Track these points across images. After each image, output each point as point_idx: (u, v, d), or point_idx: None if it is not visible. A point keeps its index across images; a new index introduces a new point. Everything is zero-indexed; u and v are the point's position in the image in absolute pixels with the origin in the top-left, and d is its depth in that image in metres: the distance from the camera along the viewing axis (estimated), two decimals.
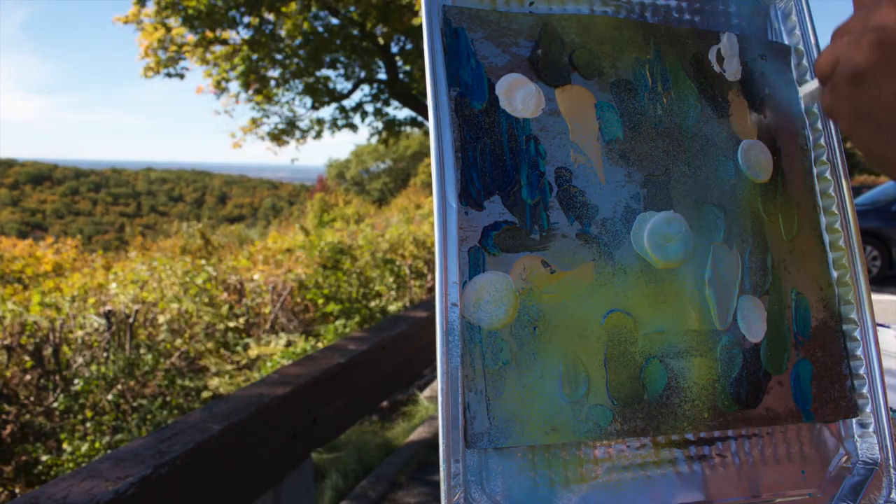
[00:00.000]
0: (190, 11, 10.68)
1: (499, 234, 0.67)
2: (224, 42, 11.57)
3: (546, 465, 0.65)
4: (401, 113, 14.01)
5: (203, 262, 7.22)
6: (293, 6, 11.18)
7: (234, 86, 12.00)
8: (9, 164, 57.47)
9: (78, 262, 9.31)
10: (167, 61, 11.46)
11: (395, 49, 12.96)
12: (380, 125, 13.80)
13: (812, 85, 0.78)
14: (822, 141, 0.80)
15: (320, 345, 5.63)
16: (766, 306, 0.74)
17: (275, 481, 2.46)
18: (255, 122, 12.64)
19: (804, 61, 0.82)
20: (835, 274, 0.78)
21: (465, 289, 0.65)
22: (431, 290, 7.95)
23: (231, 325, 5.99)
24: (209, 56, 11.58)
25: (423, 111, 12.91)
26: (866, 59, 0.51)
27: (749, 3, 0.83)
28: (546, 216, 0.69)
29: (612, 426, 0.66)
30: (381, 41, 12.23)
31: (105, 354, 4.85)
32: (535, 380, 0.65)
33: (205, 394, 4.86)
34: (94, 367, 4.58)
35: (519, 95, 0.71)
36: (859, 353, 0.76)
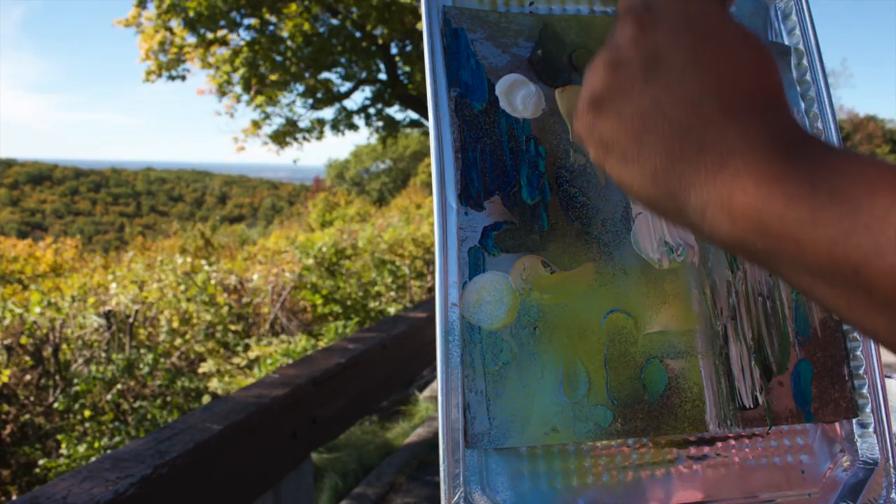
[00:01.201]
0: (191, 13, 10.68)
1: (499, 235, 0.67)
2: (225, 43, 11.57)
3: (546, 466, 0.65)
4: (401, 114, 14.03)
5: (203, 262, 7.22)
6: (294, 7, 11.18)
7: (236, 88, 12.00)
8: (8, 163, 57.49)
9: (77, 262, 9.31)
10: (168, 64, 11.46)
11: (395, 50, 12.97)
12: (380, 124, 13.82)
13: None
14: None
15: (320, 345, 5.64)
16: (767, 307, 0.74)
17: (274, 481, 2.46)
18: (256, 125, 12.64)
19: (804, 61, 0.82)
20: None
21: (465, 289, 0.65)
22: (431, 290, 7.95)
23: (232, 328, 5.99)
24: (211, 59, 11.58)
25: (423, 112, 12.92)
26: (602, 82, 0.46)
27: (749, 3, 0.83)
28: (546, 216, 0.69)
29: (612, 426, 0.66)
30: (381, 42, 12.24)
31: (105, 354, 4.85)
32: (536, 380, 0.65)
33: (205, 394, 4.86)
34: (93, 367, 4.58)
35: (519, 96, 0.71)
36: (859, 353, 0.76)
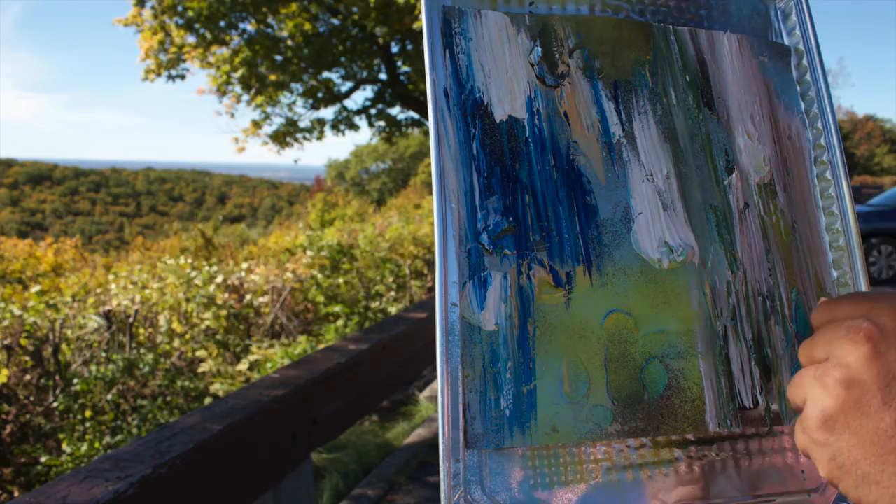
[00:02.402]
0: (190, 13, 10.68)
1: (499, 234, 0.67)
2: (225, 43, 11.57)
3: (546, 466, 0.65)
4: (402, 114, 14.03)
5: (203, 262, 7.22)
6: (294, 7, 11.18)
7: (236, 88, 12.00)
8: (8, 163, 57.49)
9: (78, 262, 9.31)
10: (168, 63, 11.46)
11: (395, 50, 12.97)
12: (382, 123, 13.82)
13: None
14: (822, 141, 0.80)
15: (320, 345, 5.63)
16: (767, 307, 0.74)
17: (274, 481, 2.46)
18: (256, 125, 12.65)
19: (804, 61, 0.82)
20: (835, 274, 0.78)
21: (465, 289, 0.65)
22: (431, 290, 7.95)
23: (232, 329, 5.99)
24: (210, 59, 11.58)
25: (423, 112, 12.92)
26: (836, 399, 0.46)
27: (749, 3, 0.83)
28: (546, 216, 0.69)
29: (612, 427, 0.66)
30: (381, 42, 12.24)
31: (105, 354, 4.85)
32: (536, 380, 0.65)
33: (205, 394, 4.86)
34: (93, 368, 4.58)
35: (518, 95, 0.71)
36: None
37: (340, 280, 7.41)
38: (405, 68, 13.19)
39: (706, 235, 0.73)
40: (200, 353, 5.51)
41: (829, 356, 0.48)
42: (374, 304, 7.34)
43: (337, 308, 6.85)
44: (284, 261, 8.40)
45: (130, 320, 5.13)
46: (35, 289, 5.80)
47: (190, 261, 7.31)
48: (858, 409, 0.45)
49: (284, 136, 12.89)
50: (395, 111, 13.92)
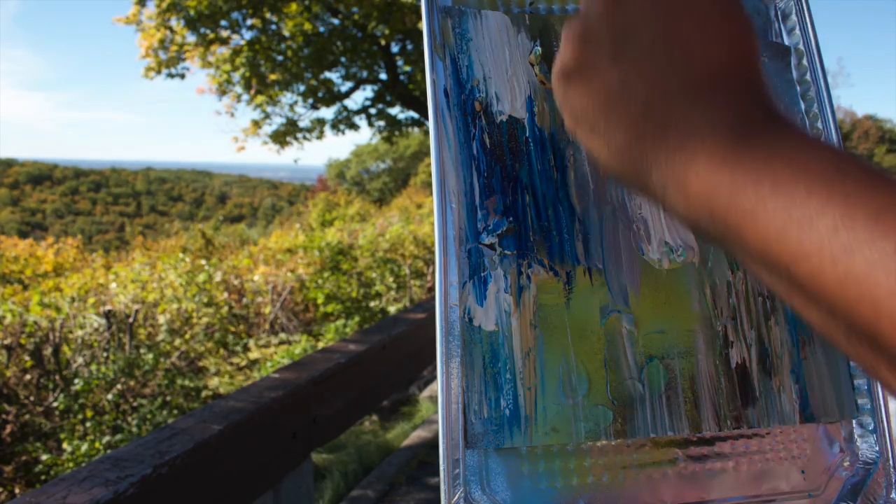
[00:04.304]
0: (191, 12, 10.68)
1: (499, 234, 0.67)
2: (225, 42, 11.58)
3: (546, 466, 0.65)
4: (402, 113, 14.04)
5: (203, 261, 7.22)
6: (294, 7, 11.18)
7: (236, 87, 12.01)
8: (8, 163, 57.53)
9: (78, 261, 9.31)
10: (168, 62, 11.47)
11: (395, 49, 12.98)
12: (382, 123, 13.83)
13: None
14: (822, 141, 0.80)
15: (320, 345, 5.64)
16: (767, 307, 0.74)
17: (274, 481, 2.46)
18: (256, 125, 12.65)
19: (804, 61, 0.82)
20: None
21: (465, 289, 0.65)
22: (431, 290, 7.95)
23: (231, 329, 5.99)
24: (211, 59, 11.59)
25: (423, 112, 12.92)
26: (571, 54, 0.46)
27: (749, 3, 0.83)
28: (546, 216, 0.69)
29: (612, 426, 0.66)
30: (381, 42, 12.24)
31: (105, 354, 4.85)
32: (536, 380, 0.65)
33: (205, 394, 4.87)
34: (94, 367, 4.58)
35: (518, 95, 0.71)
36: None
37: (340, 280, 7.41)
38: (405, 68, 13.19)
39: None
40: (198, 348, 5.51)
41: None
42: (374, 304, 7.35)
43: (337, 307, 6.85)
44: (284, 261, 8.40)
45: (130, 320, 5.13)
46: (35, 288, 5.80)
47: (189, 260, 7.31)
48: (591, 64, 0.44)
49: (284, 135, 12.89)
50: (395, 111, 13.94)
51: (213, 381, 4.96)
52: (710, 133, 0.38)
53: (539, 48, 0.73)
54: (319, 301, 6.92)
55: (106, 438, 4.02)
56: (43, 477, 3.85)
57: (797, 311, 0.35)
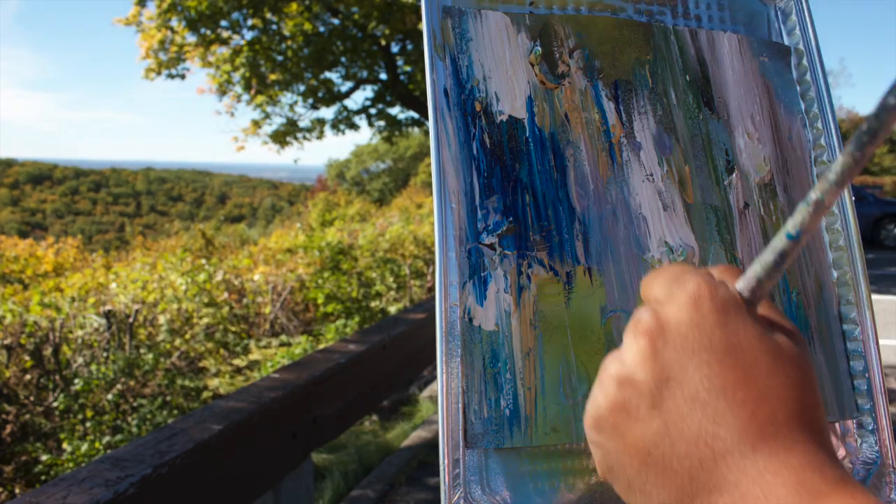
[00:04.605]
0: (192, 12, 10.68)
1: (499, 234, 0.67)
2: (225, 43, 11.58)
3: (546, 466, 0.65)
4: (402, 113, 14.04)
5: (203, 261, 7.23)
6: (294, 7, 11.18)
7: (236, 87, 12.01)
8: (8, 163, 57.53)
9: (78, 261, 9.31)
10: (168, 62, 11.46)
11: (395, 49, 12.97)
12: (382, 123, 13.83)
13: None
14: (822, 141, 0.80)
15: (321, 345, 5.64)
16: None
17: (274, 481, 2.46)
18: (256, 125, 12.65)
19: (804, 61, 0.82)
20: (835, 274, 0.78)
21: (465, 289, 0.65)
22: (431, 290, 7.95)
23: (232, 329, 5.99)
24: (211, 59, 11.59)
25: (424, 112, 12.92)
26: (606, 399, 0.42)
27: (749, 3, 0.83)
28: (546, 216, 0.69)
29: None
30: (382, 42, 12.24)
31: (105, 354, 4.85)
32: (536, 380, 0.65)
33: (205, 394, 4.86)
34: (94, 367, 4.58)
35: (519, 95, 0.71)
36: (859, 353, 0.76)
37: (341, 280, 7.41)
38: (405, 68, 13.19)
39: (706, 235, 0.73)
40: (198, 348, 5.51)
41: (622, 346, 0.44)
42: (374, 304, 7.35)
43: (337, 308, 6.85)
44: (284, 261, 8.40)
45: (130, 320, 5.13)
46: (35, 287, 5.80)
47: (190, 259, 7.31)
48: (627, 411, 0.41)
49: (284, 135, 12.89)
50: (395, 111, 13.93)
51: (214, 382, 4.96)
52: (765, 499, 0.35)
53: (539, 48, 0.73)
54: (319, 301, 6.92)
55: (106, 438, 4.02)
56: (43, 477, 3.85)
57: None
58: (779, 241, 0.40)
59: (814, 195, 0.37)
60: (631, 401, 0.41)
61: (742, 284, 0.41)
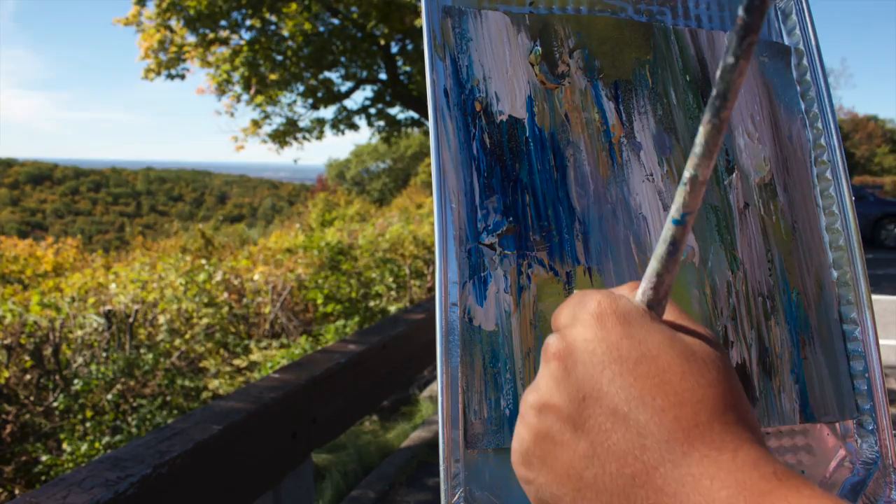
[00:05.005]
0: (191, 12, 10.68)
1: (499, 234, 0.67)
2: (225, 43, 11.58)
3: None
4: (402, 113, 14.05)
5: (203, 261, 7.22)
6: (294, 7, 11.18)
7: (236, 87, 12.02)
8: (8, 163, 57.53)
9: (78, 261, 9.31)
10: (168, 62, 11.47)
11: (395, 49, 12.98)
12: (381, 123, 13.84)
13: None
14: (822, 141, 0.80)
15: (320, 345, 5.64)
16: (767, 307, 0.74)
17: (274, 481, 2.46)
18: (256, 125, 12.65)
19: (804, 61, 0.82)
20: (835, 274, 0.78)
21: (465, 289, 0.65)
22: (431, 290, 7.95)
23: (232, 329, 5.99)
24: (210, 59, 11.59)
25: (423, 112, 12.92)
26: (529, 432, 0.42)
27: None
28: (546, 216, 0.69)
29: None
30: (381, 42, 12.24)
31: (105, 354, 4.85)
32: None
33: (205, 394, 4.86)
34: (93, 367, 4.58)
35: (519, 95, 0.71)
36: (859, 353, 0.76)
37: (340, 280, 7.41)
38: (405, 68, 13.19)
39: (706, 235, 0.73)
40: (198, 348, 5.51)
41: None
42: (374, 304, 7.34)
43: (337, 308, 6.85)
44: (284, 261, 8.40)
45: (130, 320, 5.13)
46: (36, 289, 5.80)
47: (189, 259, 7.31)
48: (551, 438, 0.40)
49: (284, 135, 12.89)
50: (394, 111, 13.94)
51: (214, 383, 4.96)
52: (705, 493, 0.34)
53: (539, 48, 0.73)
54: (319, 301, 6.92)
55: (106, 439, 4.01)
56: (43, 477, 3.85)
57: None
58: (667, 230, 0.40)
59: (687, 173, 0.37)
60: (553, 427, 0.40)
61: (643, 286, 0.41)
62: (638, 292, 0.41)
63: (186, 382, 4.81)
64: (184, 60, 11.61)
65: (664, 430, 0.36)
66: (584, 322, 0.40)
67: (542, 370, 0.41)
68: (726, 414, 0.36)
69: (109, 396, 4.38)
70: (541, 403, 0.41)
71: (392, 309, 7.13)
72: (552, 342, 0.41)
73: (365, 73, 13.26)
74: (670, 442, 0.36)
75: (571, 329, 0.41)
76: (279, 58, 11.82)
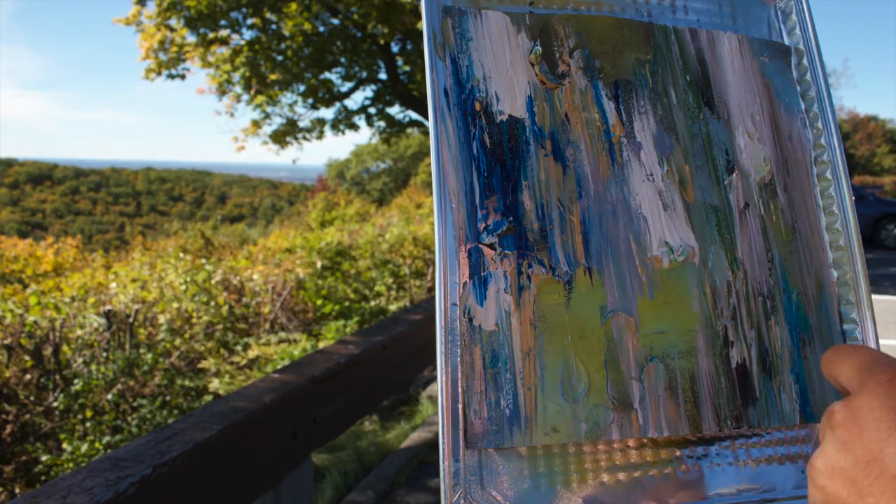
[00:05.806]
0: (192, 12, 10.68)
1: (499, 234, 0.67)
2: (225, 43, 11.58)
3: (546, 465, 0.65)
4: (402, 113, 14.05)
5: (203, 261, 7.22)
6: (294, 7, 11.18)
7: (236, 87, 12.02)
8: (8, 163, 57.52)
9: (78, 261, 9.31)
10: (168, 62, 11.46)
11: (395, 49, 12.98)
12: (382, 124, 13.84)
13: None
14: (822, 141, 0.80)
15: (320, 344, 5.63)
16: (767, 306, 0.74)
17: (274, 481, 2.46)
18: (256, 125, 12.65)
19: (804, 61, 0.82)
20: (835, 274, 0.78)
21: (465, 289, 0.65)
22: (431, 290, 7.94)
23: (231, 327, 5.99)
24: (211, 59, 11.59)
25: (423, 112, 12.92)
26: (819, 492, 0.45)
27: (749, 3, 0.83)
28: (546, 216, 0.69)
29: (612, 426, 0.66)
30: (381, 42, 12.24)
31: (105, 354, 4.85)
32: (536, 380, 0.65)
33: (205, 394, 4.86)
34: (94, 367, 4.58)
35: (519, 95, 0.71)
36: None
37: (339, 280, 7.41)
38: (405, 68, 13.19)
39: (706, 235, 0.73)
40: (198, 348, 5.51)
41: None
42: (374, 304, 7.35)
43: (336, 308, 6.85)
44: (283, 260, 8.39)
45: (130, 320, 5.13)
46: (35, 289, 5.80)
47: (189, 259, 7.31)
48: (840, 500, 0.43)
49: (284, 135, 12.89)
50: (394, 111, 13.94)
51: (214, 384, 4.96)
52: None
53: (539, 48, 0.73)
54: (318, 302, 6.92)
55: (106, 438, 4.01)
56: (43, 477, 3.85)
57: None
58: None
59: None
60: (840, 491, 0.43)
61: None
62: None
63: (186, 382, 4.81)
64: (184, 60, 11.60)
65: None
66: (871, 391, 0.43)
67: (828, 436, 0.45)
68: None
69: (109, 396, 4.38)
70: (829, 468, 0.44)
71: (392, 309, 7.13)
72: (837, 411, 0.45)
73: (365, 74, 13.25)
74: None
75: (858, 398, 0.44)
76: (279, 58, 11.82)
